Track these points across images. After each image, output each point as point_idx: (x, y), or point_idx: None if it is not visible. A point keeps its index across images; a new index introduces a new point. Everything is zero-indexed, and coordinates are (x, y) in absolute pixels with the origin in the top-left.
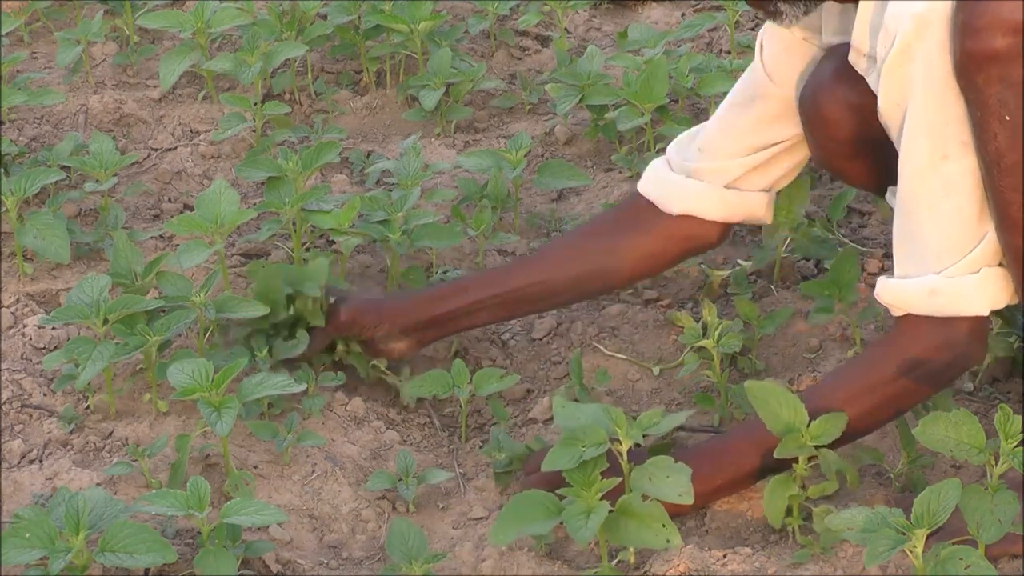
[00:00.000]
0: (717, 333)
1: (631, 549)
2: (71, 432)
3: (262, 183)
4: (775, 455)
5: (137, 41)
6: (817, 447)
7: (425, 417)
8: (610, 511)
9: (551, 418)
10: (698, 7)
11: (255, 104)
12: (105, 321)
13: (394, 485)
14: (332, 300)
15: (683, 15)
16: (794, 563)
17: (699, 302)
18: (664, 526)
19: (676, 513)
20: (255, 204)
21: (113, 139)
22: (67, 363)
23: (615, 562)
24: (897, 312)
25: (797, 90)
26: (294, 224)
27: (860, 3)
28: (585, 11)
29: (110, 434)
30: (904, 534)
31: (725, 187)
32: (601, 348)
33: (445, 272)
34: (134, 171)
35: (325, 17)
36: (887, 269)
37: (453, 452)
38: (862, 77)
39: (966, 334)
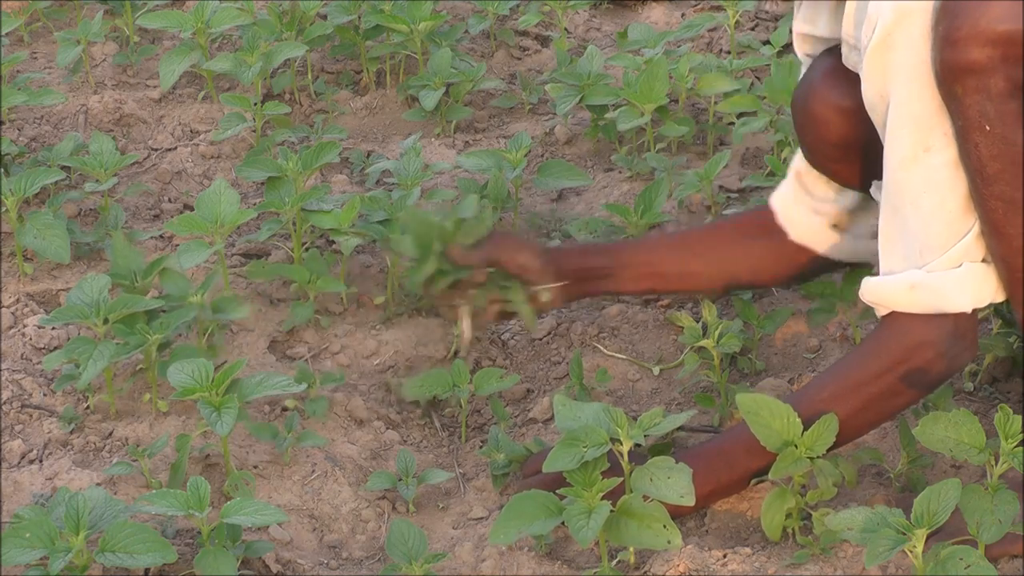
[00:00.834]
0: (717, 333)
1: (631, 549)
2: (71, 432)
3: (262, 183)
4: (770, 476)
5: (137, 41)
6: (812, 458)
7: (425, 417)
8: (611, 511)
9: (551, 418)
10: (698, 7)
11: (255, 104)
12: (105, 321)
13: (394, 485)
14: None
15: (683, 15)
16: (794, 563)
17: (699, 302)
18: (665, 527)
19: (676, 514)
20: (255, 204)
21: (113, 139)
22: (67, 363)
23: (615, 562)
24: (881, 311)
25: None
26: (294, 224)
27: None
28: (585, 11)
29: (110, 434)
30: (904, 534)
31: (832, 227)
32: (601, 348)
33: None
34: (134, 171)
35: (325, 17)
36: None
37: (453, 452)
38: (853, 80)
39: (949, 332)
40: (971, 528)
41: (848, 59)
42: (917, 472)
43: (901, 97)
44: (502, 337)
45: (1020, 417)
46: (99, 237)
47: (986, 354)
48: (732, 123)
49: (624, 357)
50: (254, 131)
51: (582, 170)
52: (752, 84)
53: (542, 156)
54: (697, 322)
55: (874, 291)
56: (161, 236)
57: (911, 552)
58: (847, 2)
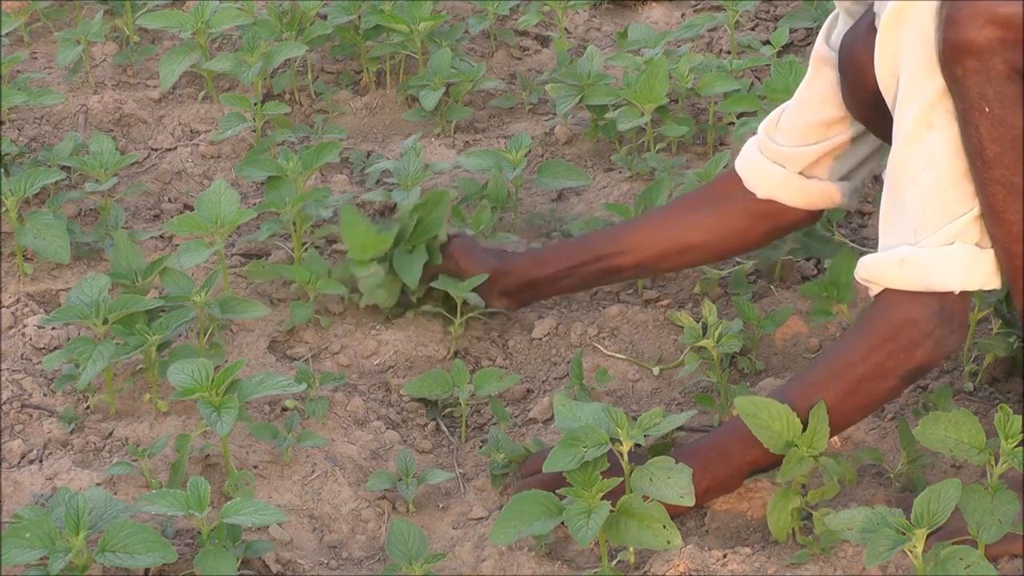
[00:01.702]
0: (717, 333)
1: (631, 549)
2: (71, 432)
3: (262, 183)
4: (778, 479)
5: (137, 41)
6: (816, 456)
7: (425, 417)
8: (611, 511)
9: (551, 418)
10: (698, 7)
11: (255, 104)
12: (105, 321)
13: (394, 485)
14: (449, 238)
15: (683, 15)
16: (794, 563)
17: (699, 302)
18: (665, 527)
19: (675, 513)
20: (255, 204)
21: (113, 139)
22: (67, 363)
23: (615, 562)
24: (874, 289)
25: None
26: (294, 224)
27: None
28: (585, 11)
29: (110, 434)
30: (904, 534)
31: (801, 173)
32: (601, 348)
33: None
34: (134, 171)
35: (325, 17)
36: None
37: (453, 452)
38: None
39: (935, 313)
40: (971, 528)
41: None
42: (917, 472)
43: (908, 72)
44: (502, 337)
45: (1020, 417)
46: (99, 237)
47: (986, 354)
48: (732, 123)
49: (624, 357)
50: (254, 131)
51: (582, 170)
52: (752, 84)
53: (542, 156)
54: (697, 322)
55: (866, 267)
56: (161, 236)
57: (911, 552)
58: None
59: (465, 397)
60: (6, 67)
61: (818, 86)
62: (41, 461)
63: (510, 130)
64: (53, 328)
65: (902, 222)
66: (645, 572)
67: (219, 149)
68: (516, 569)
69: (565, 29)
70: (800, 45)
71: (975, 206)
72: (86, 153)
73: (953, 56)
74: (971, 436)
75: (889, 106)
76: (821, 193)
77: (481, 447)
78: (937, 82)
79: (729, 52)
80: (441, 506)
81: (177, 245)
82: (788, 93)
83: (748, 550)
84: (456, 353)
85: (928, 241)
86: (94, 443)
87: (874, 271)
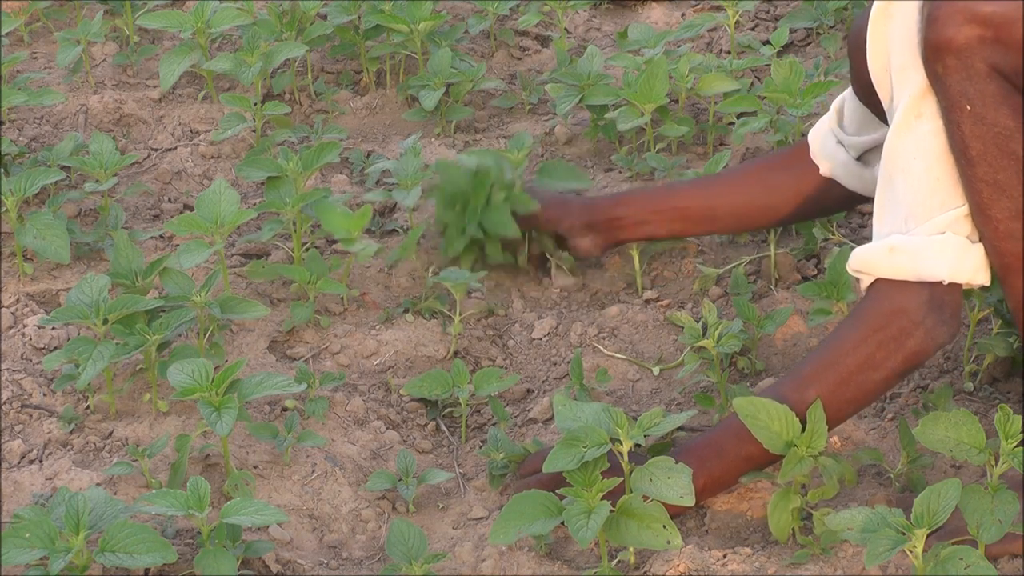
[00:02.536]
0: (717, 333)
1: (631, 549)
2: (71, 432)
3: (262, 183)
4: (778, 480)
5: (137, 41)
6: (815, 456)
7: (425, 417)
8: (611, 511)
9: (551, 418)
10: (698, 7)
11: (255, 104)
12: (105, 321)
13: (394, 485)
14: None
15: (683, 15)
16: (794, 563)
17: (699, 302)
18: (665, 527)
19: (675, 513)
20: (255, 204)
21: (113, 139)
22: (67, 363)
23: (615, 562)
24: (865, 281)
25: None
26: (294, 224)
27: None
28: (585, 11)
29: (110, 434)
30: (904, 534)
31: (858, 160)
32: (601, 348)
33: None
34: (134, 171)
35: (325, 17)
36: None
37: (453, 452)
38: None
39: (924, 302)
40: (971, 528)
41: None
42: (917, 472)
43: (897, 64)
44: (502, 337)
45: (1020, 417)
46: (99, 237)
47: (986, 354)
48: (732, 123)
49: (624, 357)
50: (254, 131)
51: (582, 170)
52: (752, 84)
53: (542, 156)
54: (697, 322)
55: (858, 257)
56: (161, 236)
57: (911, 552)
58: None
59: (465, 397)
60: (6, 67)
61: (851, 79)
62: (41, 461)
63: (510, 130)
64: (53, 328)
65: (894, 212)
66: (645, 572)
67: (219, 149)
68: (516, 569)
69: (565, 29)
70: (800, 45)
71: (966, 202)
72: (86, 153)
73: (934, 55)
74: (971, 436)
75: (883, 101)
76: (875, 180)
77: (481, 447)
78: (924, 73)
79: (729, 52)
80: (441, 506)
81: (177, 245)
82: (788, 93)
83: (748, 550)
84: (456, 353)
85: (919, 230)
86: (94, 443)
87: (864, 261)
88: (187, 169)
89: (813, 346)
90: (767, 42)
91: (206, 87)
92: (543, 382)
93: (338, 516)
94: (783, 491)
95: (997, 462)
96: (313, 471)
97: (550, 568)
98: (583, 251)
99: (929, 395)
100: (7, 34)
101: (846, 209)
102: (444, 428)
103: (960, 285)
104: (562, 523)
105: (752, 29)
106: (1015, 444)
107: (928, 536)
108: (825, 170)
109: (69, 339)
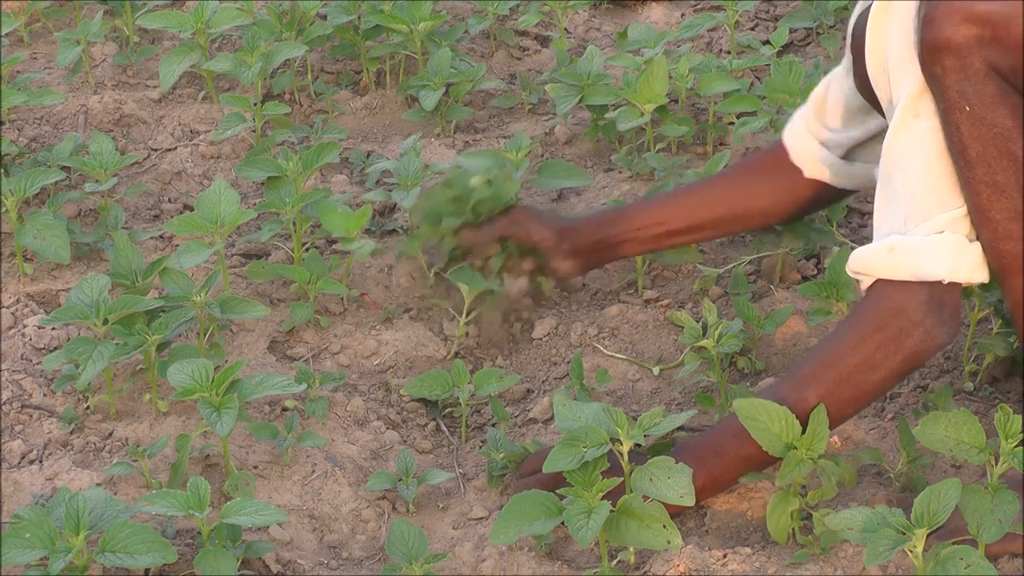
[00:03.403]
0: (717, 333)
1: (631, 549)
2: (71, 432)
3: (262, 183)
4: (777, 483)
5: (137, 41)
6: (815, 458)
7: (425, 417)
8: (611, 511)
9: (551, 418)
10: (698, 7)
11: (255, 104)
12: (105, 321)
13: (394, 485)
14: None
15: (683, 15)
16: (794, 563)
17: (699, 302)
18: (665, 527)
19: (675, 513)
20: (255, 204)
21: (113, 139)
22: (67, 363)
23: (615, 562)
24: (865, 282)
25: None
26: (294, 224)
27: None
28: (585, 11)
29: (110, 434)
30: (904, 534)
31: (843, 157)
32: (601, 348)
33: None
34: (134, 171)
35: (325, 17)
36: None
37: (453, 452)
38: None
39: (923, 302)
40: (971, 528)
41: None
42: (917, 472)
43: (895, 62)
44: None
45: (1020, 417)
46: (99, 237)
47: (986, 354)
48: (732, 123)
49: (624, 357)
50: (254, 131)
51: (582, 170)
52: (752, 84)
53: (542, 156)
54: (697, 322)
55: (858, 258)
56: (161, 236)
57: (911, 552)
58: None
59: (465, 397)
60: (6, 67)
61: (853, 74)
62: (41, 461)
63: (510, 130)
64: (53, 328)
65: (893, 212)
66: (645, 572)
67: (219, 149)
68: (516, 569)
69: (565, 29)
70: (800, 45)
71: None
72: (86, 153)
73: (931, 55)
74: (971, 436)
75: (881, 100)
76: (865, 174)
77: (481, 447)
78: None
79: (729, 52)
80: (441, 506)
81: (177, 245)
82: (788, 93)
83: (748, 550)
84: (456, 353)
85: (918, 230)
86: (94, 443)
87: (864, 261)
88: (187, 169)
89: (813, 346)
90: (767, 42)
91: (206, 87)
92: (543, 382)
93: (338, 516)
94: (782, 493)
95: (997, 462)
96: (313, 471)
97: (550, 568)
98: (562, 273)
99: (929, 395)
100: (7, 34)
101: (839, 202)
102: (444, 428)
103: (960, 284)
104: (562, 523)
105: (752, 29)
106: (1015, 444)
107: (928, 536)
108: (810, 173)
109: (69, 339)
